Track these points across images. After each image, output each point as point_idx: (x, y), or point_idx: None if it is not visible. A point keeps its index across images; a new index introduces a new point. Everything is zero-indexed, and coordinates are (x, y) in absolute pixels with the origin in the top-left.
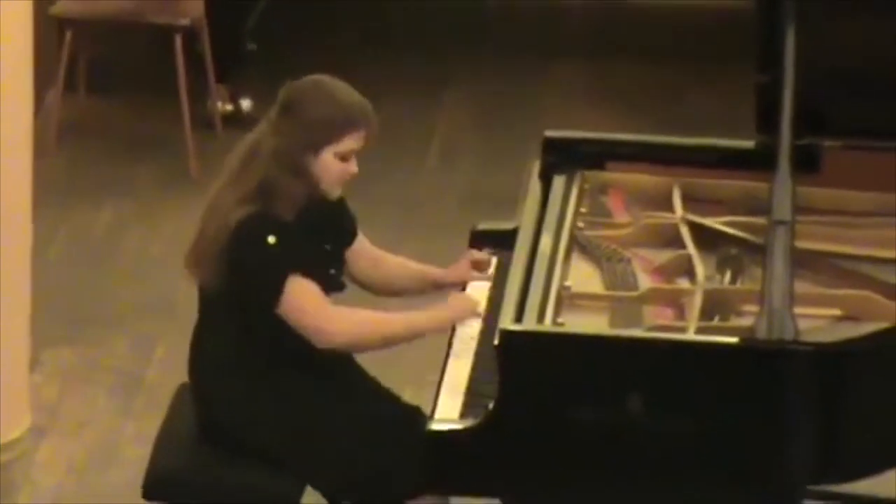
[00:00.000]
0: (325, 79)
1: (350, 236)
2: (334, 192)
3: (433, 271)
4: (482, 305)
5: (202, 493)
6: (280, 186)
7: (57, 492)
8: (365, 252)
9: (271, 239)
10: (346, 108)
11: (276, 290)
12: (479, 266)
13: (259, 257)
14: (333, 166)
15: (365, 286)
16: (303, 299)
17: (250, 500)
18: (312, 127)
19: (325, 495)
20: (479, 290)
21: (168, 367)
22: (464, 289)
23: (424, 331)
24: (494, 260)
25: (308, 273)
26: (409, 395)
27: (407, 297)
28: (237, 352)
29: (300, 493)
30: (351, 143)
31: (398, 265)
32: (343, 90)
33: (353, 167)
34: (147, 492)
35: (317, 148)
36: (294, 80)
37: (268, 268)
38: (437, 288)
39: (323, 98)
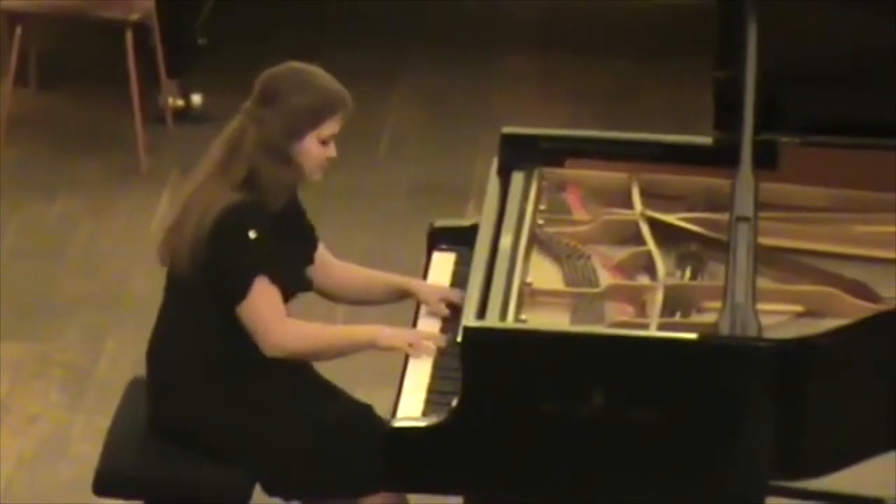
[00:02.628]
0: (302, 65)
1: (313, 241)
2: (316, 177)
3: (401, 279)
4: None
5: (152, 489)
6: (267, 176)
7: (6, 487)
8: (327, 262)
9: (252, 234)
10: (326, 94)
11: (244, 288)
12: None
13: (236, 251)
14: (315, 151)
15: (328, 296)
16: (263, 305)
17: (200, 497)
18: (295, 114)
19: (270, 494)
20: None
21: (118, 361)
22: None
23: (374, 346)
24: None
25: (276, 276)
26: (361, 396)
27: (369, 307)
28: (198, 345)
29: (251, 488)
30: (331, 127)
31: (364, 275)
32: (321, 76)
33: (332, 151)
34: (97, 487)
35: (300, 134)
36: (270, 69)
37: (242, 264)
38: (403, 296)
39: (303, 85)
